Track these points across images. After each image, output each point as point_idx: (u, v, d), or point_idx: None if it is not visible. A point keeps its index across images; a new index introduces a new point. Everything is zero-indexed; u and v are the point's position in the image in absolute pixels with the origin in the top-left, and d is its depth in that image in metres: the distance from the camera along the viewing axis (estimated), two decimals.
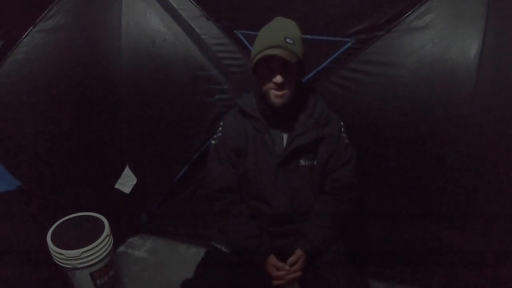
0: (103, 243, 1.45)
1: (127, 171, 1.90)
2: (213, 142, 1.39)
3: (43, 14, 1.45)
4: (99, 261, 1.45)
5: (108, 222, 1.53)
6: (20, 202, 1.47)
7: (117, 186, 1.89)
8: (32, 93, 1.48)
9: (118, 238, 1.85)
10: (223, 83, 1.65)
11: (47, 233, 1.45)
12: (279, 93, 1.21)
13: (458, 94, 1.37)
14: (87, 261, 1.41)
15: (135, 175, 1.91)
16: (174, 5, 1.65)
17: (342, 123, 1.35)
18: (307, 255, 1.24)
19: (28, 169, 1.50)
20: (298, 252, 1.24)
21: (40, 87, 1.49)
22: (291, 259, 1.23)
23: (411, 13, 1.38)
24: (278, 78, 1.19)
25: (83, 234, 1.45)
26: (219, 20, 1.61)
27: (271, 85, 1.21)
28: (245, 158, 1.32)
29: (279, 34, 1.18)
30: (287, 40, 1.17)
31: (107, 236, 1.47)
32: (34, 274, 1.47)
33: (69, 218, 1.54)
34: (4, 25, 1.37)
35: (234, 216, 1.31)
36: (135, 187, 1.93)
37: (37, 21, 1.44)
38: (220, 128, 1.38)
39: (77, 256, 1.38)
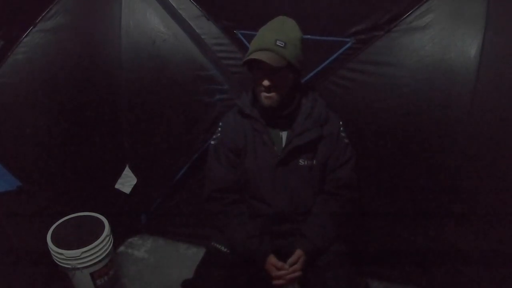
0: (103, 243, 1.45)
1: (127, 171, 1.90)
2: (212, 142, 1.39)
3: (43, 14, 1.46)
4: (99, 261, 1.45)
5: (108, 222, 1.53)
6: (20, 202, 1.47)
7: (117, 186, 1.89)
8: (32, 93, 1.48)
9: (118, 238, 1.84)
10: (223, 83, 1.65)
11: (47, 233, 1.45)
12: (268, 94, 1.23)
13: (458, 94, 1.37)
14: (87, 261, 1.41)
15: (135, 175, 1.91)
16: (174, 5, 1.64)
17: (341, 123, 1.35)
18: (307, 255, 1.24)
19: (28, 169, 1.50)
20: (298, 252, 1.24)
21: (40, 87, 1.49)
22: (291, 259, 1.23)
23: (411, 13, 1.38)
24: (265, 82, 1.20)
25: (83, 234, 1.45)
26: (219, 20, 1.61)
27: (261, 87, 1.23)
28: (245, 158, 1.32)
29: (271, 36, 1.19)
30: (278, 43, 1.17)
31: (107, 236, 1.48)
32: (34, 274, 1.47)
33: (69, 218, 1.54)
34: (4, 25, 1.38)
35: (234, 216, 1.31)
36: (135, 187, 1.92)
37: (37, 21, 1.45)
38: (220, 129, 1.38)
39: (77, 256, 1.38)
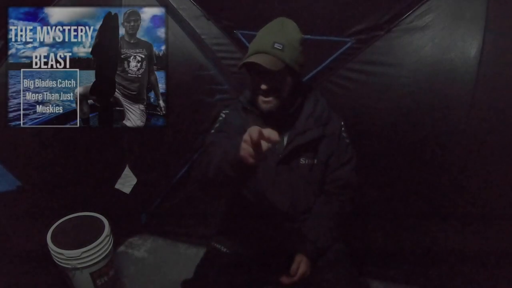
0: (103, 243, 1.45)
1: (127, 171, 1.90)
2: (212, 131, 1.32)
3: None
4: (99, 261, 1.45)
5: (108, 222, 1.53)
6: (20, 202, 1.47)
7: (117, 186, 1.89)
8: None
9: (118, 238, 1.84)
10: (223, 83, 1.65)
11: (47, 233, 1.45)
12: (266, 99, 1.19)
13: (458, 94, 1.37)
14: (87, 261, 1.41)
15: (135, 175, 1.91)
16: (174, 5, 1.65)
17: (342, 123, 1.35)
18: (309, 256, 1.23)
19: (28, 169, 1.49)
20: (297, 258, 1.23)
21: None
22: (293, 267, 1.21)
23: (411, 13, 1.38)
24: (263, 86, 1.17)
25: (83, 234, 1.45)
26: (219, 20, 1.62)
27: (258, 90, 1.19)
28: None
29: (269, 38, 1.15)
30: (276, 45, 1.13)
31: (107, 236, 1.47)
32: (34, 274, 1.47)
33: (69, 218, 1.54)
34: (4, 25, 1.37)
35: (219, 144, 1.14)
36: (135, 187, 1.93)
37: None
38: (221, 118, 1.34)
39: (77, 256, 1.38)
